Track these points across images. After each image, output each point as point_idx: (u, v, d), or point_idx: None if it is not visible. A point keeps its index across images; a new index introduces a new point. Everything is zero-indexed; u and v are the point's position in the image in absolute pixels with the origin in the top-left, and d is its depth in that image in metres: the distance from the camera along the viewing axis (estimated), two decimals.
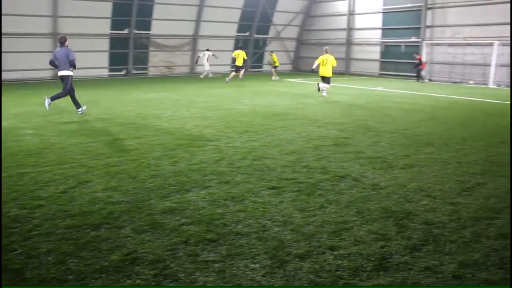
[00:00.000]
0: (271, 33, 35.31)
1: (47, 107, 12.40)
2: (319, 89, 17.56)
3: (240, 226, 4.64)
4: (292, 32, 36.37)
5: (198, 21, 30.65)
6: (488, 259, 4.02)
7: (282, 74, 31.16)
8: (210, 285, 3.53)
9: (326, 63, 17.16)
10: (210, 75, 27.72)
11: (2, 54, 22.87)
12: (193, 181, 6.16)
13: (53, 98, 12.55)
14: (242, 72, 24.69)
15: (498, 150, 8.27)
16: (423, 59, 27.04)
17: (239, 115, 12.19)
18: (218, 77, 26.55)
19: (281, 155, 7.70)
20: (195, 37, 31.08)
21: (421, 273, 3.74)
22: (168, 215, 4.91)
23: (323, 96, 17.17)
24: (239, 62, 24.61)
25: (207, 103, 14.93)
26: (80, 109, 12.38)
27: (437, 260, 3.98)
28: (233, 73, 24.70)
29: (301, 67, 36.65)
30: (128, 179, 6.24)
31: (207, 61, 27.34)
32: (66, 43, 12.26)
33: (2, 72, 22.89)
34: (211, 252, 4.05)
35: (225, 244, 4.21)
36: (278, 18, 34.73)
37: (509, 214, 5.11)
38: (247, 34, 33.83)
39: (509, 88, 22.79)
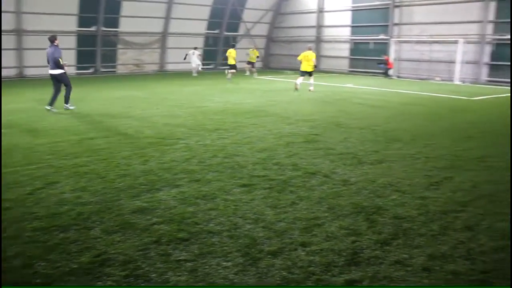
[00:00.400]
0: (241, 30, 35.25)
1: (71, 108, 12.56)
2: (296, 88, 18.04)
3: (211, 224, 4.62)
4: (262, 29, 36.40)
5: (167, 18, 30.34)
6: (455, 251, 4.11)
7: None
8: (183, 285, 3.50)
9: (308, 59, 18.18)
10: (195, 74, 27.85)
11: None
12: (164, 180, 6.10)
13: (66, 101, 12.61)
14: (230, 71, 24.40)
15: (465, 145, 8.46)
16: (391, 58, 27.38)
17: (209, 113, 12.13)
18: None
19: (252, 152, 7.70)
20: (164, 35, 30.77)
21: (391, 267, 3.80)
22: (139, 215, 4.85)
23: (310, 90, 18.20)
24: (232, 61, 24.39)
25: (177, 101, 14.80)
26: (50, 107, 12.34)
27: (407, 253, 4.05)
28: (231, 71, 24.37)
29: (271, 64, 36.74)
30: (97, 179, 6.14)
31: (197, 59, 27.99)
32: (56, 42, 12.31)
33: None
34: (183, 251, 4.02)
35: (197, 243, 4.18)
36: (248, 15, 34.69)
37: (476, 208, 5.23)
38: (217, 31, 33.68)
39: (474, 85, 23.39)
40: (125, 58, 29.85)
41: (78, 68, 27.47)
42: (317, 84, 21.85)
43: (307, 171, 6.55)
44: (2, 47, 23.71)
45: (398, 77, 27.39)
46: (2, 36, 23.99)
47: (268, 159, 7.22)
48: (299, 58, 18.59)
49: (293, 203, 5.25)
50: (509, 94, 18.67)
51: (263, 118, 11.28)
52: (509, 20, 23.16)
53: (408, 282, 3.56)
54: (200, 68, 28.65)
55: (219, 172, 6.50)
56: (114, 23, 28.34)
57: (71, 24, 26.73)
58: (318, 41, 33.43)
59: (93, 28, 27.63)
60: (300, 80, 18.24)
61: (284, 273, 3.66)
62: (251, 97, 16.07)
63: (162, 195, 5.49)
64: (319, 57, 33.26)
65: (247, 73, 28.10)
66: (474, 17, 24.42)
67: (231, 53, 24.63)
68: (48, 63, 12.44)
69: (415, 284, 3.54)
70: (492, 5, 23.83)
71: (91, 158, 7.25)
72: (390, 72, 27.03)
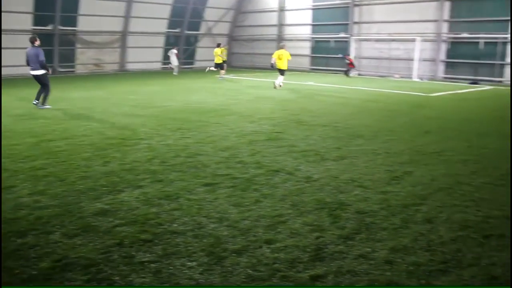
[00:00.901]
0: (203, 29, 35.06)
1: (47, 107, 12.73)
2: (275, 87, 18.57)
3: (175, 225, 4.57)
4: (224, 28, 36.31)
5: (127, 17, 29.85)
6: (416, 243, 4.21)
7: (214, 71, 31.02)
8: (148, 286, 3.45)
9: (282, 57, 18.57)
10: (175, 73, 28.46)
11: None
12: (126, 181, 6.00)
13: (44, 101, 12.79)
14: (212, 68, 24.99)
15: (423, 140, 8.68)
16: (352, 57, 27.72)
17: (171, 112, 12.01)
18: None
19: (215, 151, 7.67)
20: (124, 34, 30.27)
21: (355, 261, 3.86)
22: (101, 217, 4.75)
23: (280, 86, 18.54)
24: (218, 60, 24.49)
25: (139, 101, 14.60)
26: (36, 102, 12.71)
27: (370, 247, 4.12)
28: (222, 70, 24.64)
29: (233, 63, 36.68)
30: (56, 182, 5.97)
31: (176, 58, 28.91)
32: (36, 42, 12.57)
33: None
34: (147, 253, 3.96)
35: (161, 244, 4.13)
36: (209, 14, 34.52)
37: (434, 200, 5.38)
38: (178, 30, 33.37)
39: (431, 82, 24.04)
40: (84, 57, 29.21)
41: (34, 69, 26.66)
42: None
43: (270, 169, 6.57)
44: None
45: (359, 74, 27.84)
46: None
47: (231, 158, 7.20)
48: (273, 56, 18.94)
49: (257, 201, 5.26)
50: (464, 91, 19.31)
51: (226, 117, 11.25)
52: (463, 19, 23.99)
53: (371, 275, 3.62)
54: (176, 70, 29.11)
55: (182, 171, 6.44)
56: (72, 21, 27.67)
57: (26, 22, 25.92)
58: (280, 39, 33.58)
59: (49, 27, 26.89)
60: (281, 78, 18.76)
61: (250, 271, 3.66)
62: (213, 96, 16.01)
63: (124, 197, 5.40)
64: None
65: (209, 69, 28.03)
66: (431, 16, 25.10)
67: (218, 52, 24.59)
68: (28, 64, 12.56)
69: (377, 277, 3.60)
70: (447, 5, 24.58)
71: (50, 160, 7.05)
72: (351, 72, 27.23)
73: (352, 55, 27.97)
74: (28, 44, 12.93)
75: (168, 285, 3.48)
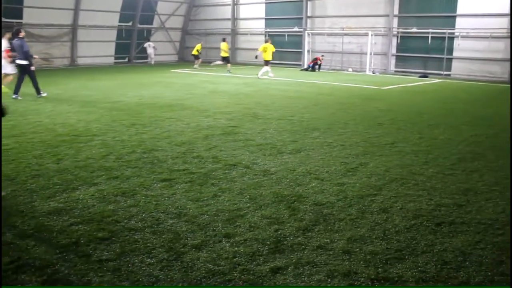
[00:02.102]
0: (155, 23, 34.50)
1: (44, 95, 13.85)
2: (259, 76, 21.08)
3: (133, 222, 4.50)
4: (177, 22, 35.84)
5: (76, 9, 28.96)
6: (373, 232, 4.32)
7: (167, 65, 30.72)
8: (107, 284, 3.39)
9: (267, 50, 21.61)
10: (152, 63, 31.39)
11: None
12: (80, 178, 5.85)
13: (38, 91, 13.87)
14: (219, 62, 26.19)
15: (377, 132, 8.90)
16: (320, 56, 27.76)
17: (125, 108, 11.79)
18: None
19: (171, 146, 7.59)
20: (74, 27, 29.38)
21: (314, 252, 3.92)
22: (55, 216, 4.62)
23: (270, 76, 21.27)
24: (225, 54, 25.71)
25: (91, 96, 14.24)
26: (15, 95, 13.25)
27: (328, 238, 4.19)
28: (220, 62, 26.05)
29: (187, 57, 36.31)
30: (6, 181, 5.73)
31: (153, 50, 32.51)
32: (21, 34, 13.35)
33: None
34: (104, 251, 3.88)
35: (119, 241, 4.06)
36: (162, 7, 33.98)
37: (389, 191, 5.52)
38: (130, 24, 32.70)
39: (383, 75, 24.62)
40: (32, 52, 28.08)
41: (20, 58, 25.37)
42: (233, 76, 22.02)
43: (228, 163, 6.57)
44: None
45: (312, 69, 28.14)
46: None
47: (187, 153, 7.15)
48: (260, 49, 22.11)
49: (215, 196, 5.25)
50: (415, 84, 19.89)
51: (181, 112, 11.14)
52: (412, 15, 24.69)
53: (330, 266, 3.68)
54: (152, 62, 32.61)
55: (138, 167, 6.34)
56: (17, 14, 26.58)
57: None
58: (234, 33, 33.56)
59: None
60: (266, 68, 21.59)
61: (210, 265, 3.65)
62: (167, 91, 15.81)
63: (79, 195, 5.26)
64: (234, 49, 33.47)
65: (196, 66, 28.46)
66: (381, 11, 25.66)
67: (223, 46, 25.50)
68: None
69: (336, 268, 3.67)
70: (397, 1, 25.16)
71: None
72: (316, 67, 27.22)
73: (306, 50, 28.19)
74: None
75: (164, 285, 3.42)
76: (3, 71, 14.31)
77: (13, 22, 26.53)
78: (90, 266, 3.63)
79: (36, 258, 3.75)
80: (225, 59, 25.76)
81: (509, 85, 18.66)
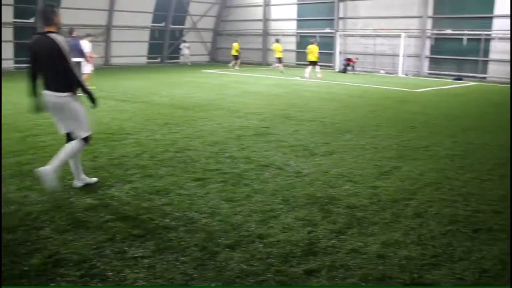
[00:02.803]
0: (187, 23, 34.83)
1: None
2: (306, 77, 21.54)
3: (167, 220, 4.55)
4: (209, 22, 36.11)
5: (111, 10, 29.50)
6: (408, 237, 4.26)
7: (198, 66, 30.96)
8: (142, 283, 3.44)
9: (311, 51, 22.27)
10: (189, 64, 32.42)
11: None
12: (115, 176, 5.96)
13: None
14: (280, 65, 25.82)
15: (410, 135, 8.76)
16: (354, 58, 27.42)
17: (158, 107, 11.94)
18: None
19: (204, 146, 7.64)
20: (108, 27, 29.92)
21: (348, 255, 3.88)
22: (91, 213, 4.71)
23: (305, 77, 21.58)
24: (279, 55, 25.82)
25: (124, 95, 14.48)
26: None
27: (362, 241, 4.15)
28: (278, 64, 25.98)
29: (218, 57, 36.54)
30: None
31: (188, 51, 33.24)
32: (74, 34, 14.32)
33: None
34: (139, 248, 3.94)
35: (153, 239, 4.11)
36: (194, 8, 34.29)
37: (424, 195, 5.43)
38: (162, 24, 33.12)
39: (416, 77, 24.24)
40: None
41: (16, 62, 26.24)
42: (264, 78, 22.03)
43: (260, 164, 6.58)
44: None
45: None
46: None
47: (220, 153, 7.19)
48: (307, 51, 22.71)
49: (248, 196, 5.26)
50: (449, 87, 19.52)
51: (213, 112, 11.22)
52: (447, 16, 24.23)
53: (364, 269, 3.65)
54: (189, 63, 32.94)
55: (172, 166, 6.41)
56: None
57: (7, 15, 25.49)
58: (265, 34, 33.58)
59: (31, 20, 26.47)
60: (311, 68, 22.08)
61: (243, 265, 3.66)
62: (199, 91, 15.94)
63: (114, 192, 5.36)
64: (266, 50, 33.50)
65: (236, 66, 28.52)
66: (415, 12, 25.26)
67: (278, 47, 25.71)
68: None
69: (370, 272, 3.63)
70: (431, 2, 24.74)
71: (36, 155, 6.96)
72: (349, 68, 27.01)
73: (338, 51, 28.02)
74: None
75: (160, 286, 3.47)
76: (83, 71, 15.36)
77: None
78: (126, 263, 3.69)
79: (74, 253, 3.83)
80: (279, 60, 25.82)
81: None
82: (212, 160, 6.75)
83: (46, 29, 5.13)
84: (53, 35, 5.06)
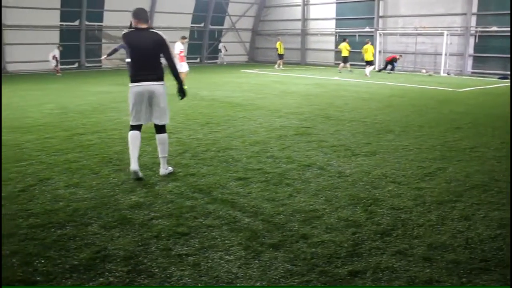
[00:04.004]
0: (226, 24, 35.09)
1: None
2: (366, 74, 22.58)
3: (210, 218, 4.59)
4: (247, 23, 36.28)
5: (151, 12, 30.04)
6: (455, 240, 4.14)
7: (237, 66, 31.12)
8: (187, 279, 3.48)
9: (367, 51, 23.34)
10: (225, 63, 33.53)
11: None
12: (158, 174, 6.05)
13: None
14: (348, 64, 25.78)
15: (454, 136, 8.54)
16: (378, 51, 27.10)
17: (198, 107, 12.07)
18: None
19: (245, 146, 7.68)
20: (149, 28, 30.45)
21: (393, 257, 3.82)
22: (136, 210, 4.81)
23: (367, 76, 22.18)
24: (345, 53, 25.53)
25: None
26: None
27: (407, 243, 4.07)
28: (342, 64, 25.78)
29: (257, 58, 36.65)
30: (90, 174, 6.07)
31: (226, 51, 34.23)
32: None
33: None
34: (184, 246, 3.99)
35: (197, 237, 4.16)
36: (232, 8, 34.53)
37: (471, 197, 5.29)
38: (201, 25, 33.48)
39: (459, 77, 23.63)
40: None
41: (62, 63, 27.06)
42: (303, 77, 21.96)
43: (302, 164, 6.55)
44: None
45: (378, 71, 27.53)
46: None
47: (261, 152, 7.21)
48: (363, 51, 23.73)
49: (291, 196, 5.25)
50: (494, 86, 18.93)
51: (253, 112, 11.26)
52: (492, 12, 23.49)
53: (410, 272, 3.58)
54: (224, 62, 34.14)
55: (214, 166, 6.47)
56: (98, 17, 27.99)
57: (54, 18, 26.34)
58: (304, 34, 33.45)
59: (76, 23, 27.26)
60: (369, 68, 23.05)
61: (288, 265, 3.66)
62: (238, 91, 16.04)
63: (158, 190, 5.45)
64: (304, 50, 33.38)
65: (278, 66, 28.49)
66: (458, 9, 24.64)
67: (345, 46, 25.42)
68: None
69: (417, 274, 3.56)
70: None
71: (83, 154, 7.16)
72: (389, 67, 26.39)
73: (377, 50, 27.58)
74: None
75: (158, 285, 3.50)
76: (179, 70, 15.74)
77: (94, 25, 27.97)
78: (171, 260, 3.74)
79: (121, 249, 3.92)
80: (345, 59, 25.54)
81: None
82: (253, 160, 6.78)
83: (144, 26, 5.75)
84: (155, 30, 5.82)
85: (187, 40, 17.45)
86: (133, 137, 5.87)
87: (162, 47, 5.75)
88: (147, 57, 5.74)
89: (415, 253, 3.90)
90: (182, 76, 15.96)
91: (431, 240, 4.14)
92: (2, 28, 24.33)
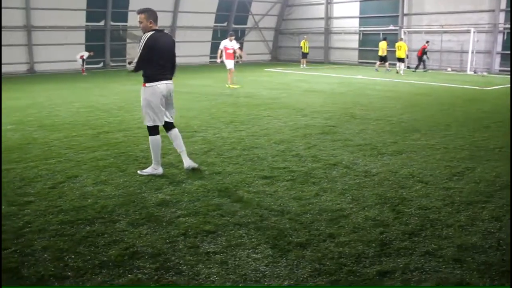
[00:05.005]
0: (249, 23, 35.12)
1: None
2: (397, 71, 23.20)
3: (237, 217, 4.60)
4: (270, 21, 36.25)
5: (175, 11, 30.27)
6: (485, 241, 4.06)
7: (260, 65, 31.12)
8: (214, 277, 3.49)
9: (401, 48, 23.23)
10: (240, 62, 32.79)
11: None
12: (184, 172, 6.09)
13: None
14: (387, 64, 25.58)
15: (483, 135, 8.39)
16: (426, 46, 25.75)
17: (223, 106, 12.10)
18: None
19: (270, 144, 7.67)
20: (172, 28, 30.68)
21: (422, 258, 3.77)
22: (163, 208, 4.84)
23: (402, 75, 22.42)
24: (383, 52, 25.27)
25: (189, 94, 14.78)
26: None
27: (436, 244, 4.01)
28: (379, 62, 25.65)
29: (280, 56, 36.58)
30: (117, 172, 6.14)
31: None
32: None
33: None
34: (211, 244, 4.00)
35: (224, 235, 4.17)
36: (255, 7, 34.54)
37: (501, 198, 5.18)
38: (225, 24, 33.58)
39: (487, 74, 23.15)
40: (134, 52, 29.59)
41: (87, 63, 27.43)
42: (327, 76, 21.84)
43: (328, 163, 6.52)
44: (12, 43, 23.88)
45: (409, 68, 27.17)
46: (12, 32, 24.11)
47: (287, 151, 7.19)
48: (396, 47, 23.68)
49: (317, 195, 5.22)
50: None
51: (277, 110, 11.24)
52: None
53: (440, 273, 3.52)
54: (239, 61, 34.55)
55: (239, 164, 6.48)
56: (123, 17, 28.31)
57: (80, 19, 26.74)
58: (327, 32, 33.26)
59: (101, 23, 27.62)
60: (401, 66, 23.16)
61: (316, 264, 3.64)
62: (262, 89, 16.03)
63: (184, 188, 5.48)
64: (328, 49, 33.18)
65: (302, 65, 28.41)
66: (486, 6, 24.16)
67: (383, 45, 25.13)
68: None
69: (447, 276, 3.50)
70: None
71: (110, 151, 7.25)
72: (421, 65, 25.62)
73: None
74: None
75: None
76: (228, 67, 16.92)
77: (119, 25, 28.30)
78: (199, 258, 3.75)
79: (149, 246, 3.95)
80: (383, 58, 25.30)
81: None
82: (279, 158, 6.77)
83: (155, 27, 5.93)
84: (167, 33, 6.13)
85: (234, 37, 17.65)
86: (159, 140, 6.06)
87: (174, 48, 6.17)
88: (168, 57, 6.01)
89: (445, 254, 3.84)
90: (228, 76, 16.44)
91: (461, 241, 4.07)
92: (30, 29, 24.81)
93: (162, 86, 5.91)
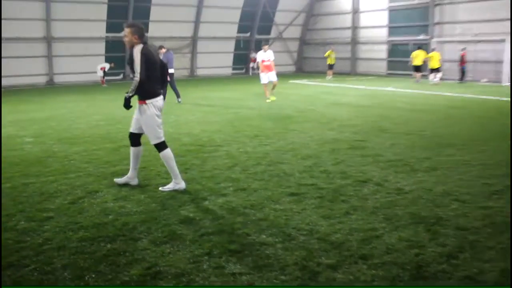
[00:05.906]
0: (273, 33, 34.94)
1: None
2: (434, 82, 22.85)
3: (263, 236, 4.39)
4: (295, 31, 35.99)
5: (197, 22, 30.31)
6: None
7: (284, 76, 30.89)
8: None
9: (433, 58, 23.02)
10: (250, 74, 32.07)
11: None
12: (208, 188, 5.91)
13: (178, 96, 16.01)
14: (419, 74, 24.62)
15: None
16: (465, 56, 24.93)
17: (246, 119, 11.93)
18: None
19: (297, 159, 7.45)
20: (194, 39, 30.77)
21: (461, 282, 3.52)
22: (187, 225, 4.67)
23: (434, 82, 22.98)
24: (418, 62, 24.21)
25: (211, 107, 14.70)
26: (179, 99, 15.78)
27: (477, 268, 3.73)
28: (418, 73, 24.51)
29: (305, 68, 36.30)
30: (138, 188, 6.00)
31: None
32: (162, 50, 15.31)
33: None
34: (237, 264, 3.81)
35: (251, 255, 3.96)
36: (280, 17, 34.36)
37: None
38: (248, 34, 33.47)
39: None
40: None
41: (107, 74, 27.52)
42: (354, 88, 21.53)
43: (357, 179, 6.25)
44: (31, 54, 24.28)
45: (441, 79, 26.46)
46: (32, 43, 24.48)
47: (314, 167, 6.95)
48: (429, 58, 23.49)
49: (347, 213, 4.98)
50: None
51: (303, 124, 11.01)
52: None
53: None
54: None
55: (265, 180, 6.27)
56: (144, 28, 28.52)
57: (100, 29, 26.99)
58: (354, 42, 32.89)
59: (122, 34, 27.81)
60: (432, 76, 23.44)
61: None
62: (287, 102, 15.83)
63: (208, 205, 5.31)
64: (355, 59, 32.79)
65: (329, 77, 27.94)
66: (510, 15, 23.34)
67: (419, 55, 24.24)
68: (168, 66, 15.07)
69: None
70: None
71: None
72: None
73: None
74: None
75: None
76: (262, 82, 16.39)
77: None
78: (224, 279, 3.57)
79: (172, 266, 3.78)
80: (418, 69, 24.35)
81: None
82: (306, 174, 6.53)
83: (140, 43, 5.71)
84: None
85: (267, 46, 16.60)
86: (171, 153, 5.97)
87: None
88: (160, 71, 5.93)
89: (487, 278, 3.57)
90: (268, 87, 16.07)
91: (505, 265, 3.77)
92: (50, 41, 25.19)
93: (161, 101, 5.90)
